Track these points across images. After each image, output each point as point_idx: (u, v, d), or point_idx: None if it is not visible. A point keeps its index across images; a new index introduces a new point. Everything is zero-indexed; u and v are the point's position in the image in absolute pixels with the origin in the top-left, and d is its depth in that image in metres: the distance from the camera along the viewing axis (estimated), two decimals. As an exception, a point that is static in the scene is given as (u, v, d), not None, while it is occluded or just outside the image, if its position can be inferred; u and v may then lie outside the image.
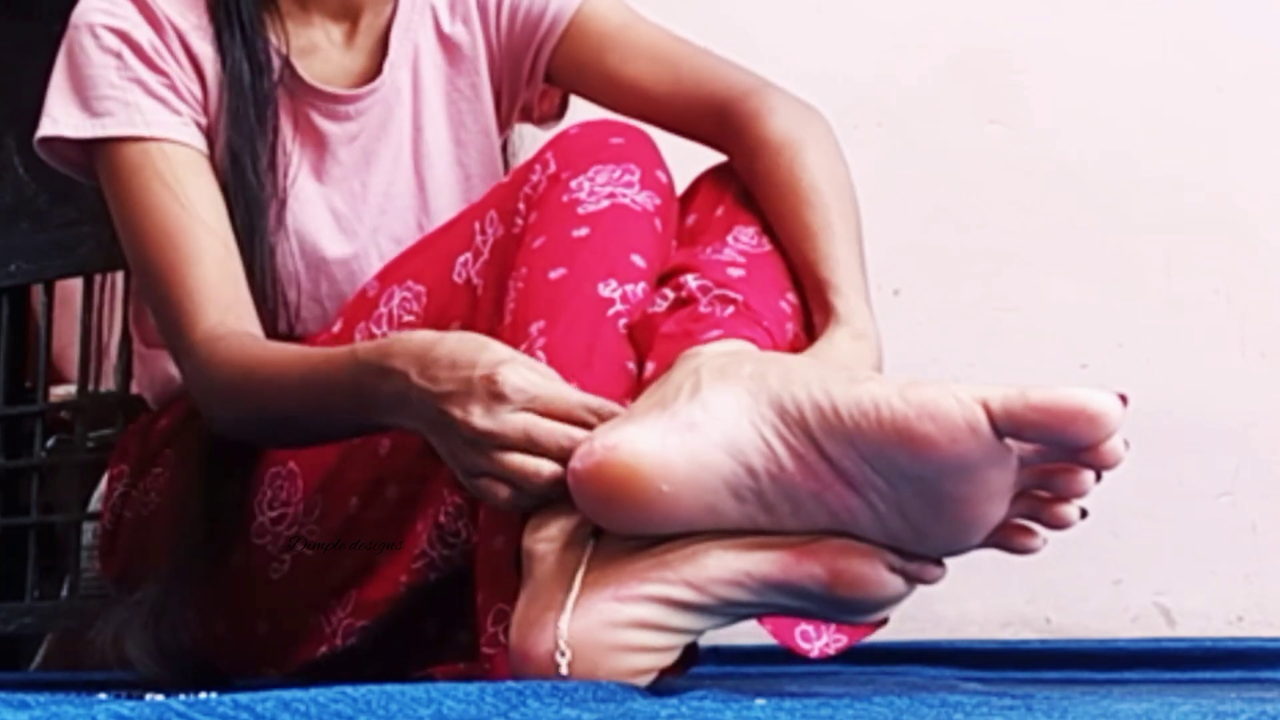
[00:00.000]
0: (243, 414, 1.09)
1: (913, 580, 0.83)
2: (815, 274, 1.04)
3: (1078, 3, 1.76)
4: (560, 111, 1.38)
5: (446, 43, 1.28)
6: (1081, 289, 1.71)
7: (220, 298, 1.12)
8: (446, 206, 1.26)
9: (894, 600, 0.84)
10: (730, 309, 0.98)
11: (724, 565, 0.83)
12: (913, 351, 1.61)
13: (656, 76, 1.22)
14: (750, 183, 1.12)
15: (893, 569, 0.82)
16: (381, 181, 1.26)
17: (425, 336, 0.94)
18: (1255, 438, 1.62)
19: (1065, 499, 0.82)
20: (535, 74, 1.29)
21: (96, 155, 1.18)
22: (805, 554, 0.82)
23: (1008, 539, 0.83)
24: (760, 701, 0.74)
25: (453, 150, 1.29)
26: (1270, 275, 1.65)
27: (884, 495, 0.80)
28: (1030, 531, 0.83)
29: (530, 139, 1.38)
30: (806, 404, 0.81)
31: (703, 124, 1.18)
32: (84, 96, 1.17)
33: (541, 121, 1.38)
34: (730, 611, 0.85)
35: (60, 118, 1.18)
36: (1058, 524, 0.82)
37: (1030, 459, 0.80)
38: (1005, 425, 0.76)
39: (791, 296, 1.05)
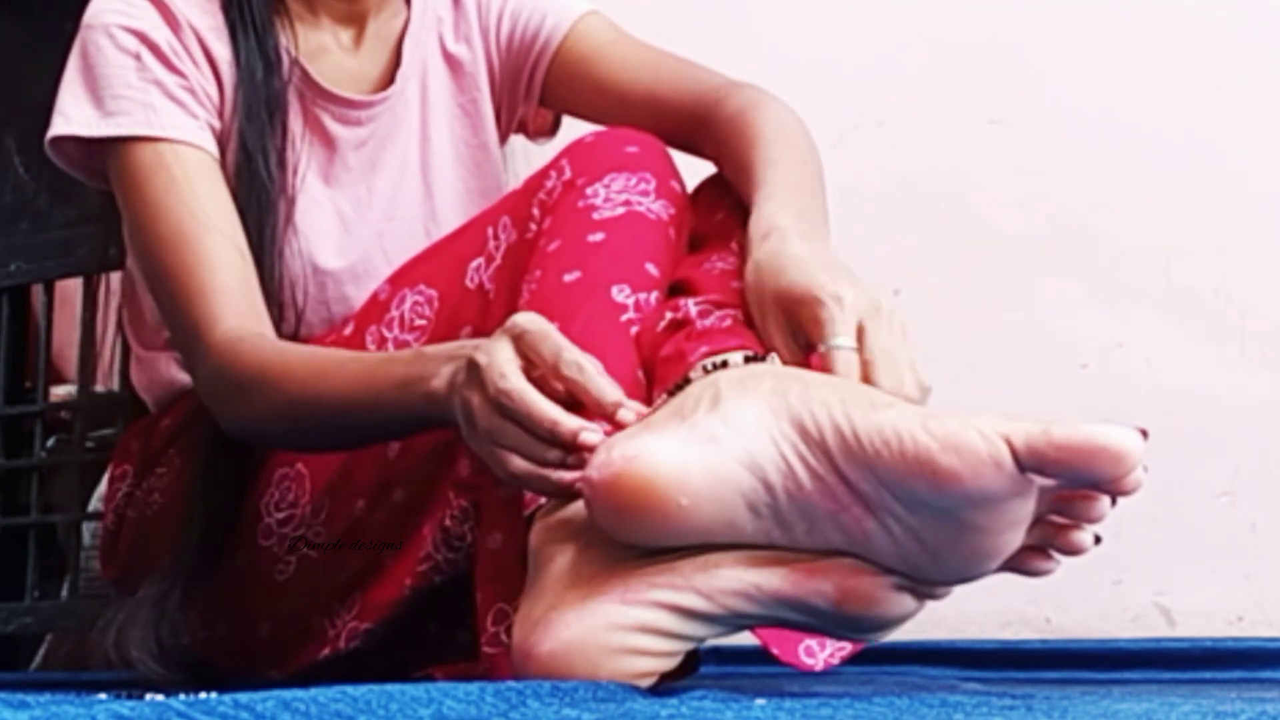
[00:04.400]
0: (268, 414, 1.07)
1: (922, 597, 0.83)
2: (749, 199, 1.04)
3: (1078, 2, 1.76)
4: (554, 127, 1.41)
5: (450, 59, 1.30)
6: (1081, 289, 1.71)
7: (237, 302, 1.12)
8: (453, 215, 1.27)
9: (902, 619, 0.84)
10: (728, 321, 0.98)
11: (734, 576, 0.82)
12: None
13: (637, 84, 1.24)
14: (715, 158, 1.15)
15: (902, 588, 0.82)
16: (387, 188, 1.26)
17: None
18: (1255, 438, 1.62)
19: (1081, 525, 0.82)
20: (531, 91, 1.31)
21: (109, 155, 1.18)
22: (816, 571, 0.82)
23: (1022, 564, 0.83)
24: (760, 701, 0.74)
25: (457, 161, 1.30)
26: (1270, 275, 1.65)
27: (901, 520, 0.80)
28: (1045, 555, 0.83)
29: (520, 152, 1.41)
30: (827, 426, 0.80)
31: (679, 125, 1.19)
32: (99, 96, 1.17)
33: (537, 136, 1.40)
34: (735, 622, 0.85)
35: (74, 116, 1.17)
36: (1073, 550, 0.82)
37: (1049, 488, 0.80)
38: (1029, 462, 0.76)
39: None
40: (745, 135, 1.11)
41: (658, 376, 0.96)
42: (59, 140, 1.19)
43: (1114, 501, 0.80)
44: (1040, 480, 0.79)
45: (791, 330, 0.94)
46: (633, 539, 0.84)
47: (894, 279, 1.74)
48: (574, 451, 0.86)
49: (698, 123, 1.17)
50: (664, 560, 0.84)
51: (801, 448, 0.81)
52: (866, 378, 0.90)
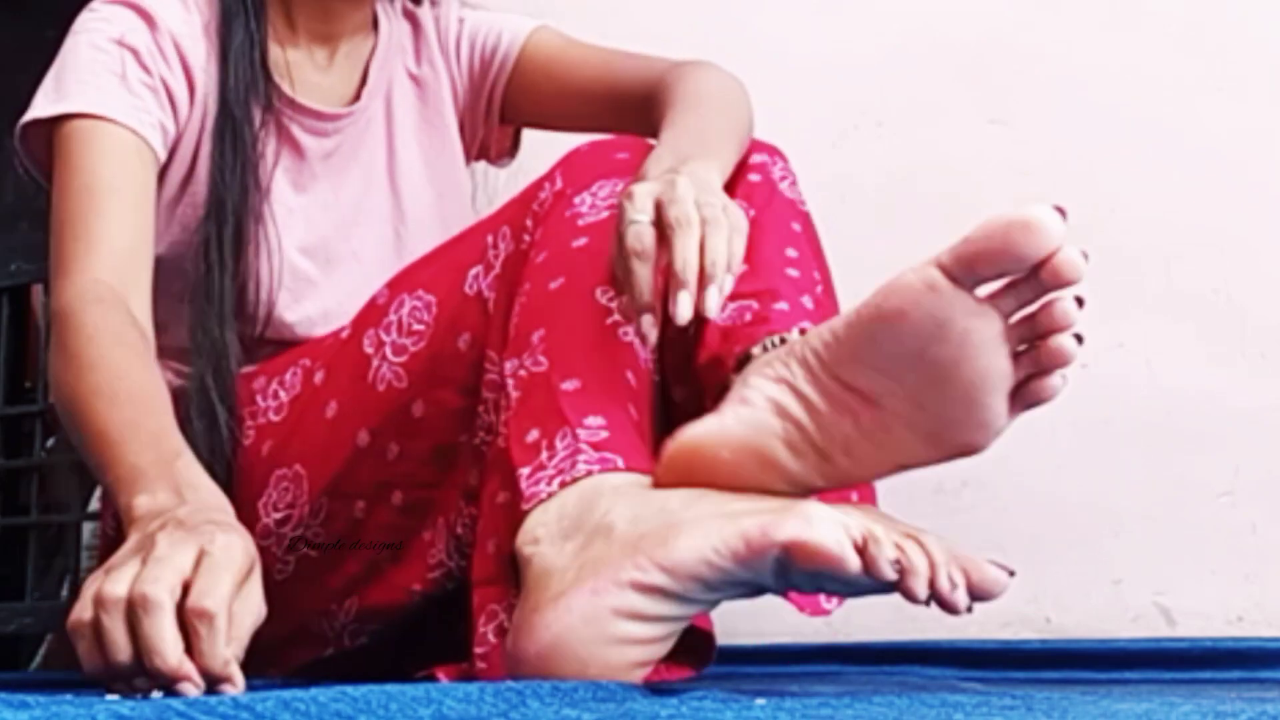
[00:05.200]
0: (61, 386, 1.07)
1: (871, 565, 0.82)
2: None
3: (1078, 3, 1.76)
4: (514, 149, 1.46)
5: (415, 80, 1.36)
6: (1081, 289, 1.70)
7: (114, 260, 1.13)
8: (422, 219, 1.33)
9: (856, 580, 0.82)
10: (748, 315, 1.02)
11: (690, 546, 0.83)
12: (913, 351, 1.61)
13: (596, 81, 1.31)
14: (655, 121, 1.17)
15: (859, 549, 0.82)
16: (353, 195, 1.31)
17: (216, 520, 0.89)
18: (1255, 438, 1.62)
19: (1056, 330, 0.84)
20: (491, 111, 1.37)
21: (55, 136, 1.19)
22: (768, 526, 0.82)
23: (1028, 394, 0.86)
24: (760, 701, 0.74)
25: (425, 171, 1.36)
26: (1270, 275, 1.65)
27: (899, 397, 0.85)
28: (1041, 382, 0.86)
29: (490, 171, 1.46)
30: (818, 344, 0.87)
31: (638, 113, 1.22)
32: (60, 82, 1.20)
33: (499, 159, 1.45)
34: (707, 596, 0.85)
35: (36, 105, 1.20)
36: (1060, 360, 0.85)
37: (1009, 309, 0.84)
38: (957, 269, 0.82)
39: (791, 251, 1.09)
40: (660, 105, 1.17)
41: (704, 385, 1.01)
42: (30, 143, 1.21)
43: (1081, 303, 0.84)
44: (993, 301, 0.83)
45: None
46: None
47: (894, 279, 1.74)
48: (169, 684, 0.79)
49: (645, 105, 1.21)
50: (630, 542, 0.84)
51: (808, 375, 0.87)
52: (668, 245, 0.94)
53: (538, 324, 1.00)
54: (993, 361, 0.84)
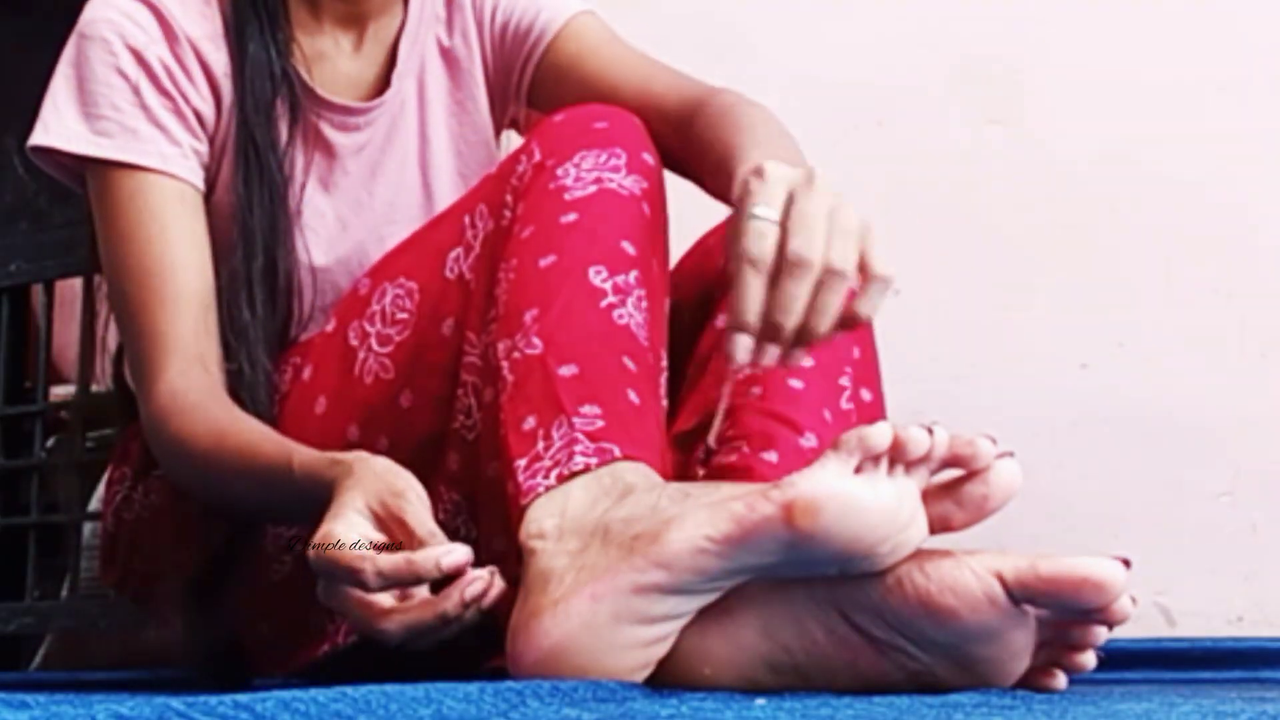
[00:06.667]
0: (189, 478, 1.12)
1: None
2: (732, 172, 1.03)
3: (1078, 3, 1.76)
4: None
5: (447, 56, 1.30)
6: (1081, 289, 1.71)
7: (189, 347, 1.13)
8: None
9: (868, 515, 0.80)
10: (734, 456, 1.01)
11: (684, 536, 0.81)
12: (913, 351, 1.61)
13: (627, 84, 1.23)
14: (699, 154, 1.14)
15: (859, 474, 0.80)
16: (387, 191, 1.26)
17: (348, 468, 0.97)
18: (1255, 438, 1.62)
19: (1082, 649, 0.87)
20: (521, 88, 1.30)
21: (89, 172, 1.18)
22: (756, 500, 0.80)
23: (1033, 682, 0.88)
24: (760, 701, 0.74)
25: (456, 159, 1.30)
26: (1270, 275, 1.65)
27: (908, 656, 0.84)
28: (1053, 674, 0.88)
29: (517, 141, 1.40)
30: (836, 585, 0.83)
31: (666, 126, 1.17)
32: (85, 111, 1.16)
33: (527, 133, 1.39)
34: (708, 586, 0.83)
35: (58, 128, 1.17)
36: (1077, 669, 0.88)
37: (1047, 618, 0.85)
38: (1019, 593, 0.81)
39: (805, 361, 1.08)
40: (734, 123, 1.11)
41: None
42: (53, 152, 1.18)
43: (1111, 627, 0.85)
44: (1035, 610, 0.84)
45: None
46: None
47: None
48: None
49: (685, 122, 1.16)
50: (624, 544, 0.84)
51: (815, 609, 0.84)
52: (783, 244, 0.90)
53: (530, 303, 0.99)
54: (1020, 663, 0.86)
